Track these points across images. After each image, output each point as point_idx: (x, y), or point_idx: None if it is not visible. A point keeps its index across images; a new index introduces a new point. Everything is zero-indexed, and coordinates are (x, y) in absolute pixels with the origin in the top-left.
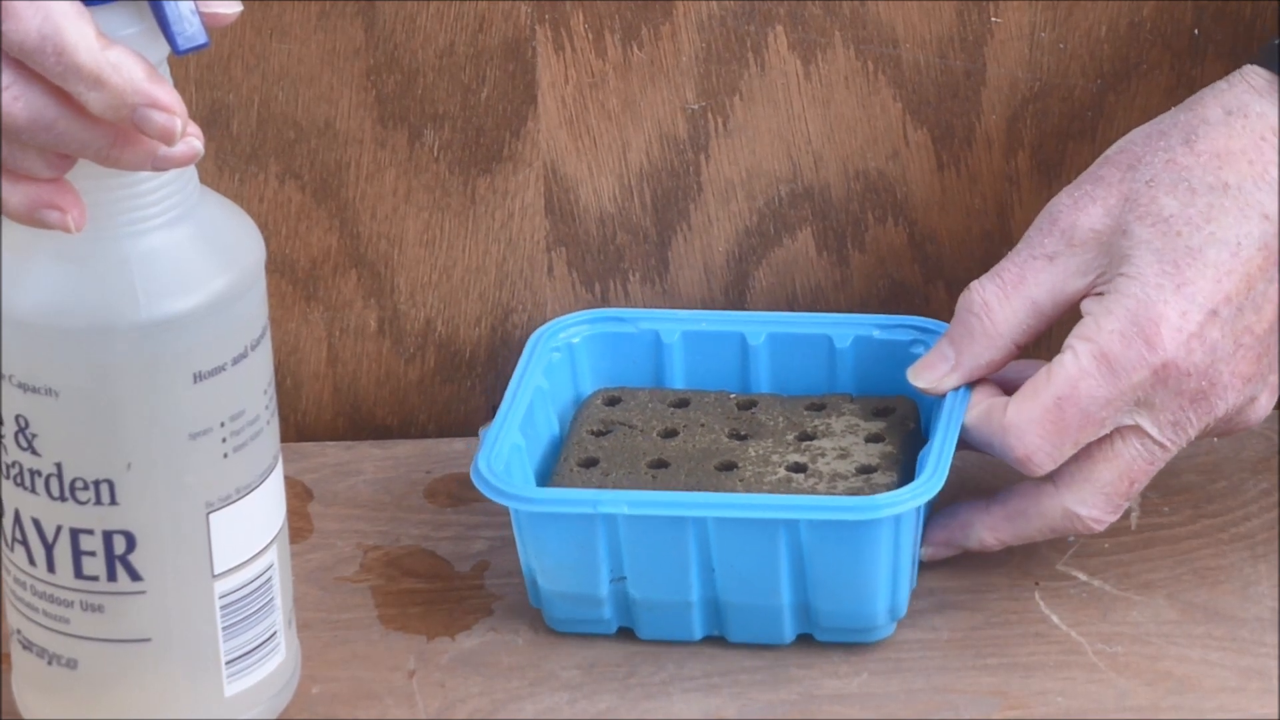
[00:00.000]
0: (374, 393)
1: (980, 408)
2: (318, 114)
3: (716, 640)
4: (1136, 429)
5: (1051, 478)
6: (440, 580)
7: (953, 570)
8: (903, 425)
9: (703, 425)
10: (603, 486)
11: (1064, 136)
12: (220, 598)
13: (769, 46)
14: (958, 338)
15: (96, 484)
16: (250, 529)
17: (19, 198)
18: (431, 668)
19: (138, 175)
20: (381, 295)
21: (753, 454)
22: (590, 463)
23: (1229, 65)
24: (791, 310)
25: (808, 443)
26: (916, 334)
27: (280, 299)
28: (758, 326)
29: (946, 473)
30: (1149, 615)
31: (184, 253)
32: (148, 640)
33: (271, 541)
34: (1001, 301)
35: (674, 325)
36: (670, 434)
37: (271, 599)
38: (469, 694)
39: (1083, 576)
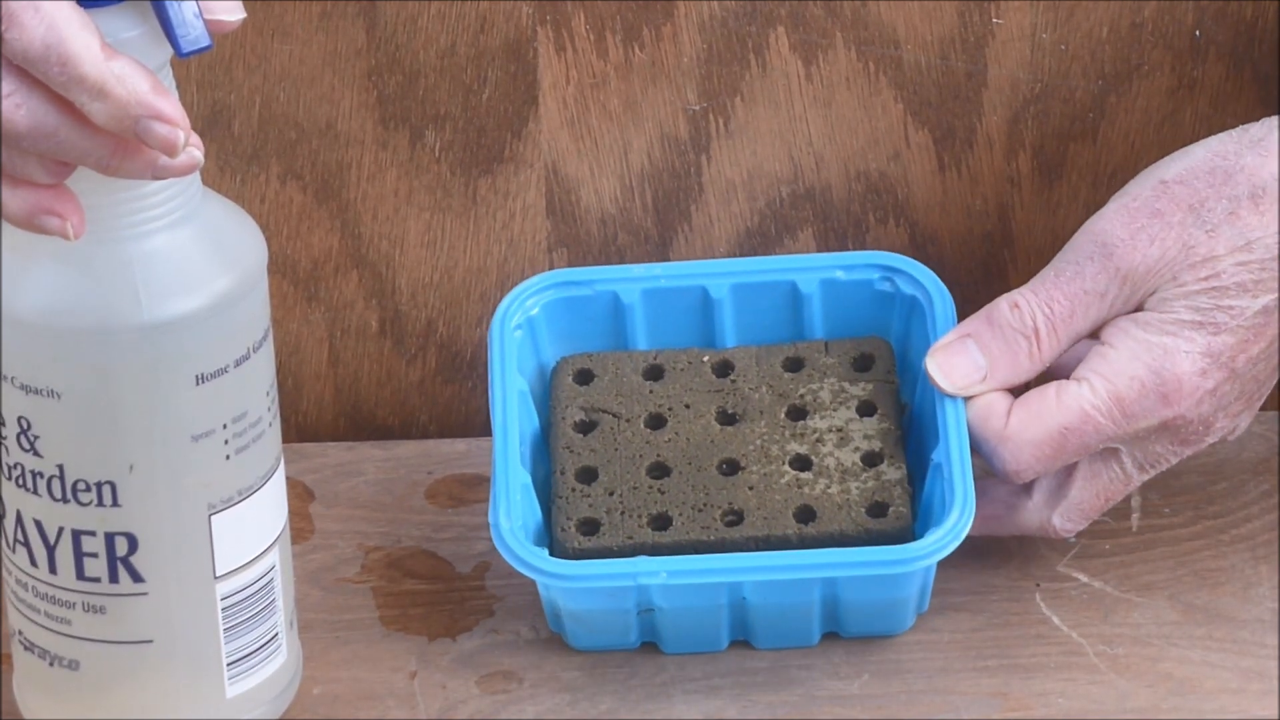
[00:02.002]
0: (375, 393)
1: (978, 403)
2: (319, 114)
3: None
4: (1119, 456)
5: (1028, 490)
6: (441, 581)
7: (954, 572)
8: (887, 380)
9: (687, 407)
10: (611, 510)
11: (1065, 138)
12: (222, 599)
13: (770, 47)
14: (996, 352)
15: (98, 485)
16: (252, 531)
17: (18, 203)
18: (433, 669)
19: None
20: (383, 296)
21: (750, 446)
22: (587, 475)
23: (1230, 66)
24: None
25: (801, 422)
26: (882, 271)
27: (281, 299)
28: (719, 279)
29: (974, 508)
30: (1150, 616)
31: (186, 254)
32: (149, 642)
33: (273, 543)
34: (1050, 333)
35: (632, 284)
36: (658, 422)
37: (273, 600)
38: (470, 695)
39: (1084, 578)
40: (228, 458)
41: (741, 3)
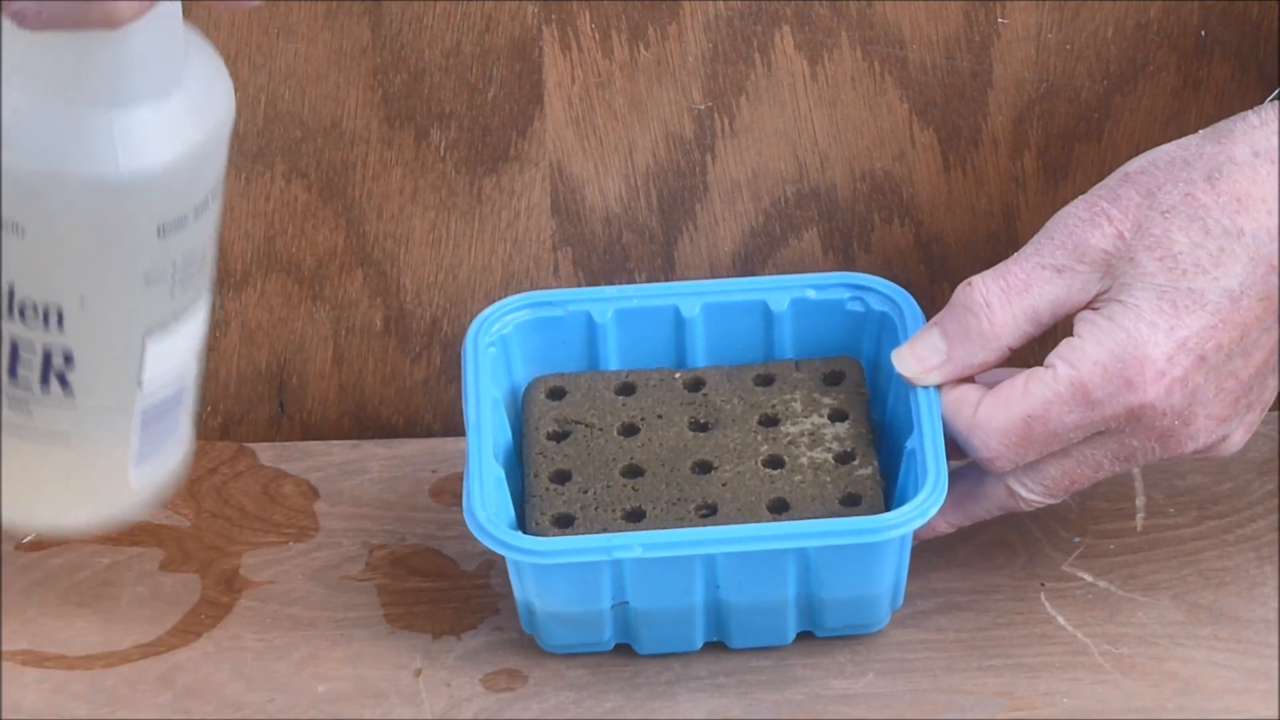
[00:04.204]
0: (380, 392)
1: (951, 394)
2: (324, 113)
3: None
4: (1093, 443)
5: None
6: (446, 579)
7: (958, 571)
8: (858, 392)
9: (660, 417)
10: (585, 506)
11: (1070, 138)
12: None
13: (775, 47)
14: (953, 332)
15: (46, 310)
16: (179, 350)
17: None
18: (437, 667)
19: (126, 42)
20: (387, 294)
21: (723, 449)
22: (562, 477)
23: (1235, 66)
24: None
25: (773, 429)
26: (852, 291)
27: (286, 298)
28: (691, 298)
29: (947, 483)
30: (1154, 616)
31: (164, 113)
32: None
33: (194, 359)
34: (1004, 304)
35: (605, 304)
36: (631, 431)
37: (183, 404)
38: (474, 693)
39: (1089, 577)
40: (172, 294)
41: (747, 2)
